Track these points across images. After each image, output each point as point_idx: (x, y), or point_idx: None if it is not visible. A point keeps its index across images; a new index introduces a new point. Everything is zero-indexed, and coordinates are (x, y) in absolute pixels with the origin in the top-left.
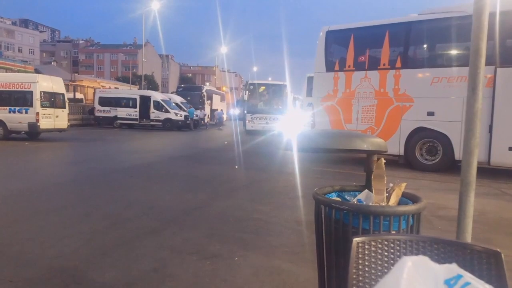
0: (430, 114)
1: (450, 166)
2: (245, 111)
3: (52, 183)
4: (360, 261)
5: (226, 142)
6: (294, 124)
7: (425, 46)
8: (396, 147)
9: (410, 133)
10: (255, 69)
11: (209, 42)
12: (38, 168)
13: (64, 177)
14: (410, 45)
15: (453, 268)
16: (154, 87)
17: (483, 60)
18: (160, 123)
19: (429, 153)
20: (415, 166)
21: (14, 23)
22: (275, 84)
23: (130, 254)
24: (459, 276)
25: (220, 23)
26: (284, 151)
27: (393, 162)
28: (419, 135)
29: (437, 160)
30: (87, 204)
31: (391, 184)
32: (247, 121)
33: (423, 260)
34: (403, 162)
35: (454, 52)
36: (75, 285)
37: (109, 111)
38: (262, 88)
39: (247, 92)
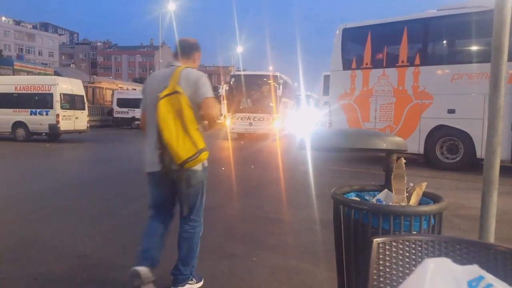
0: (451, 111)
1: (472, 165)
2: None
3: (73, 183)
4: (381, 262)
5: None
6: (308, 123)
7: (444, 42)
8: (416, 145)
9: (430, 131)
10: (270, 68)
11: (224, 41)
12: (58, 168)
13: (84, 177)
14: (429, 41)
15: (474, 269)
16: None
17: (505, 56)
18: None
19: (449, 152)
20: (435, 164)
21: (34, 27)
22: (263, 75)
23: None
24: (481, 278)
25: (235, 23)
26: (299, 150)
27: (413, 161)
28: (439, 133)
29: (458, 158)
30: (107, 203)
31: (411, 184)
32: (228, 122)
33: (445, 262)
34: (423, 161)
35: (474, 48)
36: (97, 283)
37: (127, 112)
38: (247, 80)
39: (228, 86)
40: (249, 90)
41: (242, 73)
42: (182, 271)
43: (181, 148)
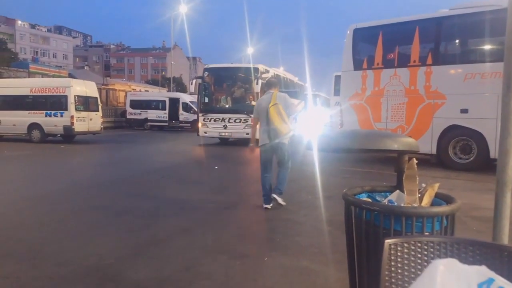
0: (464, 111)
1: (485, 165)
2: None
3: (87, 184)
4: (392, 263)
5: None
6: (315, 124)
7: (457, 41)
8: (428, 145)
9: (442, 131)
10: (281, 68)
11: (235, 43)
12: (73, 169)
13: (97, 178)
14: (441, 41)
15: (483, 271)
16: (183, 89)
17: None
18: (189, 125)
19: (463, 152)
20: (448, 165)
21: (49, 30)
22: (241, 68)
23: (162, 253)
24: (491, 280)
25: (246, 24)
26: (308, 152)
27: (425, 162)
28: (452, 133)
29: (471, 159)
30: (120, 204)
31: (423, 185)
32: (200, 125)
33: (453, 263)
34: (436, 162)
35: (487, 47)
36: (111, 283)
37: (140, 113)
38: (223, 74)
39: (200, 81)
40: (226, 85)
41: (217, 65)
42: (280, 189)
43: (282, 129)
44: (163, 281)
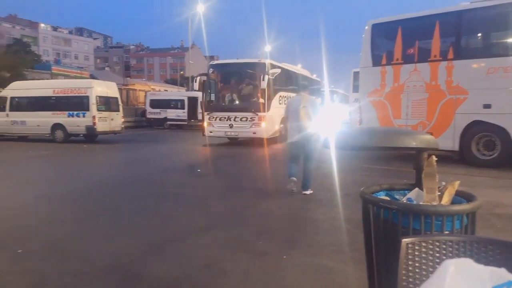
0: (487, 106)
1: (509, 162)
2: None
3: (108, 183)
4: (410, 262)
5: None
6: (332, 121)
7: (479, 35)
8: (450, 142)
9: (465, 127)
10: (299, 65)
11: (252, 40)
12: (95, 168)
13: (118, 177)
14: (462, 35)
15: (501, 274)
16: None
17: None
18: None
19: (486, 148)
20: (471, 162)
21: (70, 32)
22: (247, 63)
23: (182, 250)
24: (510, 283)
25: (263, 21)
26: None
27: (447, 158)
28: (475, 129)
29: (495, 155)
30: (140, 202)
31: (443, 183)
32: (205, 124)
33: (466, 263)
34: (458, 158)
35: (510, 40)
36: (132, 280)
37: (160, 112)
38: (230, 71)
39: (205, 78)
40: (232, 82)
41: (222, 61)
42: (307, 185)
43: (309, 128)
44: (183, 279)
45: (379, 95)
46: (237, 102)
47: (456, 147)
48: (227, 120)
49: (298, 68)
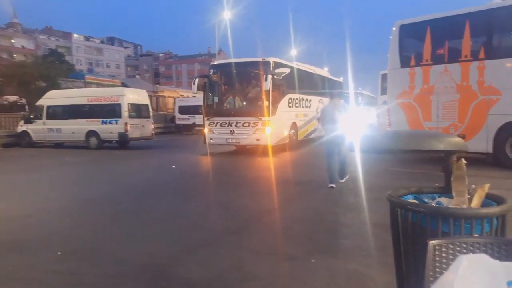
0: None
1: None
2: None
3: (141, 186)
4: (437, 264)
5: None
6: (357, 124)
7: (511, 34)
8: (484, 144)
9: (498, 128)
10: (325, 69)
11: (279, 44)
12: (128, 173)
13: (151, 181)
14: (494, 34)
15: None
16: None
17: None
18: None
19: None
20: (505, 164)
21: (102, 42)
22: (250, 62)
23: (212, 253)
24: None
25: (290, 25)
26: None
27: (481, 161)
28: (509, 130)
29: None
30: (172, 206)
31: (473, 185)
32: (206, 130)
33: (481, 258)
34: (492, 161)
35: None
36: (164, 281)
37: (188, 118)
38: (233, 71)
39: (206, 80)
40: (232, 84)
41: (223, 61)
42: (345, 172)
43: (342, 129)
44: (213, 280)
45: (408, 97)
46: (238, 105)
47: (489, 149)
48: (228, 126)
49: (314, 68)
